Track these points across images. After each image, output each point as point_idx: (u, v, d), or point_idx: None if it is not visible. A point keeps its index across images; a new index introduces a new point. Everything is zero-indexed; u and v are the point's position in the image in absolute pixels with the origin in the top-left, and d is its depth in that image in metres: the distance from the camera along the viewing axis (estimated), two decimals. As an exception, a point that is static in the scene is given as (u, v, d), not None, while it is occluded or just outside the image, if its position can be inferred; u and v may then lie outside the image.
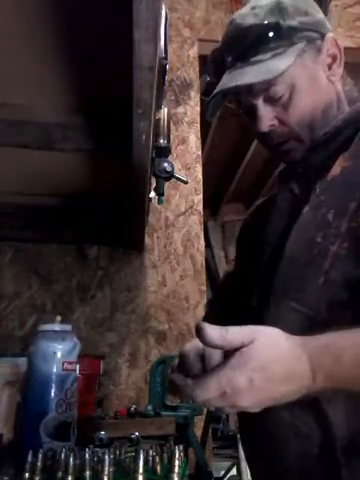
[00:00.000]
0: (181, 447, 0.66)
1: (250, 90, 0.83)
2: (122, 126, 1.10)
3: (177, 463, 0.63)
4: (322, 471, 0.69)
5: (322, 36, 0.85)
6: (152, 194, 1.38)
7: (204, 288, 2.05)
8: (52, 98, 1.16)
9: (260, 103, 0.84)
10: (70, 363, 0.94)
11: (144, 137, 1.05)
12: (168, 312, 1.99)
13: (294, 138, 0.85)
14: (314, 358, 0.58)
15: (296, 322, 0.72)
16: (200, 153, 2.16)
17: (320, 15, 0.87)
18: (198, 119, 2.18)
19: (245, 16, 0.85)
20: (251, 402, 0.55)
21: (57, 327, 0.97)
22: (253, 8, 0.85)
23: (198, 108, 2.20)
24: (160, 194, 1.35)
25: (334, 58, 0.86)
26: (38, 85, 1.11)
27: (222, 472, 2.56)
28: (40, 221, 1.92)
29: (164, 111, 1.28)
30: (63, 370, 0.92)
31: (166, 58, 1.13)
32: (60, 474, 0.61)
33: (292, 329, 0.64)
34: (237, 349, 0.55)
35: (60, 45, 0.96)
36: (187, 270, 2.04)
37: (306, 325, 0.70)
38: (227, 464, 2.62)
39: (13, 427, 1.02)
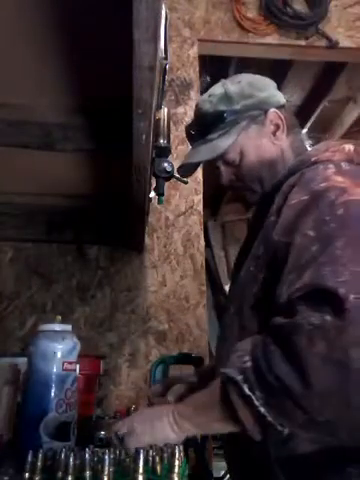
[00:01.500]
0: (181, 447, 0.66)
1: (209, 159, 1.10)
2: (122, 126, 1.10)
3: (177, 463, 0.63)
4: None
5: (265, 111, 1.07)
6: (152, 194, 1.38)
7: (204, 288, 2.05)
8: (52, 98, 1.16)
9: (221, 165, 1.10)
10: (70, 363, 0.94)
11: (144, 137, 1.05)
12: (168, 312, 1.99)
13: (248, 189, 1.09)
14: (178, 408, 0.84)
15: (240, 335, 0.90)
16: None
17: (265, 94, 1.08)
18: (198, 119, 2.18)
19: (204, 102, 1.11)
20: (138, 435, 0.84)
21: (57, 327, 0.97)
22: (209, 96, 1.10)
23: (198, 108, 2.20)
24: (160, 194, 1.35)
25: (277, 126, 1.08)
26: (38, 85, 1.11)
27: (222, 472, 2.56)
28: (40, 221, 1.92)
29: (164, 111, 1.28)
30: (63, 370, 0.92)
31: (166, 58, 1.13)
32: (60, 474, 0.61)
33: (236, 340, 0.87)
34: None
35: (60, 45, 0.96)
36: (187, 270, 2.04)
37: (246, 338, 0.86)
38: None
39: (13, 427, 1.02)
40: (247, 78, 1.11)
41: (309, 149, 1.10)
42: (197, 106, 1.14)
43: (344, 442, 0.75)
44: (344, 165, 0.91)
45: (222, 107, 1.06)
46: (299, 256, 0.78)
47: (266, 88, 1.10)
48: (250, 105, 1.06)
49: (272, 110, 1.07)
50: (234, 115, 1.06)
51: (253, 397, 0.70)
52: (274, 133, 1.07)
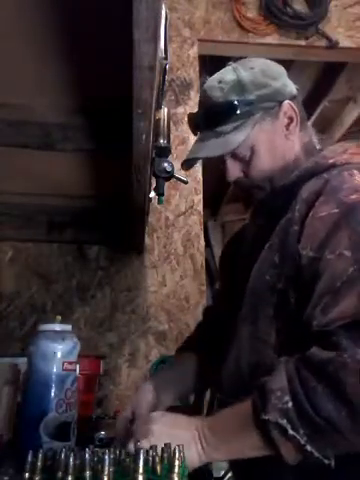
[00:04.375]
0: (181, 447, 0.66)
1: None
2: (122, 126, 1.10)
3: (177, 463, 0.63)
4: None
5: (280, 102, 0.99)
6: (152, 194, 1.38)
7: (204, 288, 2.05)
8: (52, 98, 1.16)
9: (228, 159, 1.00)
10: (70, 363, 0.94)
11: (144, 137, 1.05)
12: (168, 312, 1.99)
13: (256, 187, 1.01)
14: (206, 434, 0.79)
15: (252, 345, 0.90)
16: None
17: (279, 83, 1.00)
18: (198, 119, 2.18)
19: (213, 89, 1.00)
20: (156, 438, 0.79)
21: (57, 327, 0.97)
22: (219, 82, 0.99)
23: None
24: (160, 194, 1.35)
25: (291, 119, 1.00)
26: (38, 85, 1.11)
27: (222, 472, 2.56)
28: (40, 221, 1.92)
29: (164, 111, 1.28)
30: (63, 370, 0.92)
31: (166, 58, 1.13)
32: (60, 474, 0.61)
33: (247, 350, 0.90)
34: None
35: (60, 45, 0.96)
36: (187, 270, 2.04)
37: (260, 349, 0.88)
38: (227, 464, 2.62)
39: (13, 427, 1.02)
40: (260, 64, 1.02)
41: (318, 147, 1.04)
42: (205, 92, 1.03)
43: None
44: None
45: (234, 96, 0.96)
46: (334, 277, 0.76)
47: (279, 77, 1.01)
48: (264, 96, 0.97)
49: (287, 102, 0.99)
50: (248, 106, 0.96)
51: (298, 436, 0.69)
52: (287, 127, 0.99)
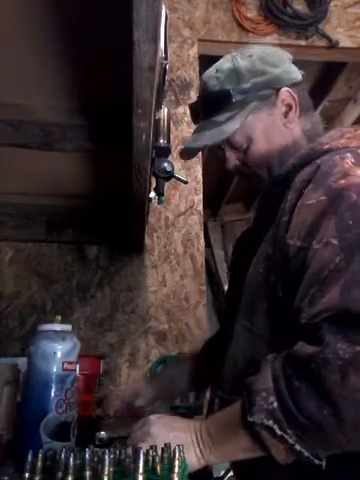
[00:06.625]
0: (181, 447, 0.66)
1: None
2: (122, 126, 1.10)
3: (177, 463, 0.63)
4: None
5: (278, 90, 0.97)
6: (152, 194, 1.38)
7: (204, 288, 2.05)
8: (52, 98, 1.16)
9: (226, 147, 1.00)
10: (70, 363, 0.94)
11: (144, 137, 1.05)
12: (168, 312, 1.99)
13: (254, 175, 1.01)
14: (203, 436, 0.79)
15: (247, 340, 0.89)
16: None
17: (279, 70, 0.97)
18: (198, 119, 2.18)
19: (210, 78, 1.01)
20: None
21: (57, 327, 0.97)
22: (216, 71, 1.00)
23: (198, 108, 2.20)
24: (160, 194, 1.35)
25: (290, 107, 0.98)
26: (38, 85, 1.11)
27: (222, 472, 2.56)
28: (40, 221, 1.92)
29: (164, 111, 1.28)
30: (63, 370, 0.92)
31: (166, 58, 1.13)
32: (60, 474, 0.61)
33: (243, 346, 0.89)
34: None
35: (60, 45, 0.96)
36: (187, 270, 2.04)
37: (255, 344, 0.87)
38: (227, 464, 2.61)
39: (13, 427, 1.02)
40: (259, 52, 1.00)
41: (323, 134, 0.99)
42: (202, 81, 1.04)
43: None
44: None
45: (230, 85, 0.96)
46: (321, 267, 0.72)
47: (280, 63, 0.98)
48: (261, 83, 0.96)
49: (284, 89, 0.97)
50: (243, 95, 0.95)
51: (286, 436, 0.68)
52: (286, 115, 0.97)
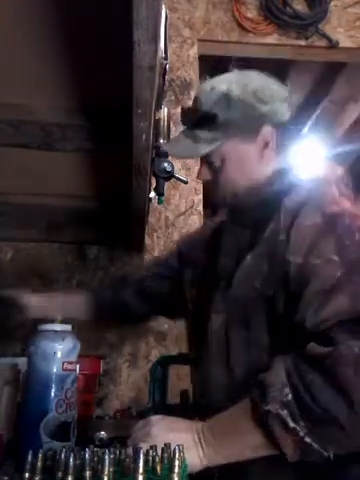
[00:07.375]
0: (181, 447, 0.66)
1: None
2: (122, 126, 1.10)
3: (177, 463, 0.63)
4: None
5: (261, 125, 0.99)
6: (152, 194, 1.38)
7: (204, 288, 2.05)
8: (52, 98, 1.16)
9: (204, 160, 1.04)
10: (70, 363, 0.94)
11: (144, 137, 1.05)
12: (168, 312, 1.99)
13: (220, 196, 1.04)
14: (206, 437, 0.79)
15: (245, 349, 0.91)
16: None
17: (267, 108, 0.98)
18: (198, 119, 2.18)
19: (203, 93, 1.02)
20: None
21: (57, 327, 0.97)
22: (212, 88, 1.01)
23: (198, 108, 2.20)
24: (160, 194, 1.35)
25: (266, 145, 1.00)
26: (38, 85, 1.11)
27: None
28: (40, 221, 1.92)
29: (164, 111, 1.28)
30: (63, 370, 0.92)
31: (166, 58, 1.13)
32: (60, 474, 0.61)
33: (241, 355, 0.91)
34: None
35: (60, 45, 0.96)
36: (187, 270, 2.04)
37: (254, 352, 0.90)
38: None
39: (13, 427, 1.02)
40: (256, 83, 1.01)
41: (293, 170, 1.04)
42: (198, 91, 1.07)
43: None
44: (342, 187, 0.94)
45: (217, 109, 0.98)
46: (324, 281, 0.79)
47: (272, 100, 1.00)
48: (247, 116, 0.98)
49: (267, 128, 0.99)
50: (227, 123, 0.98)
51: (298, 428, 0.71)
52: (262, 151, 1.00)
